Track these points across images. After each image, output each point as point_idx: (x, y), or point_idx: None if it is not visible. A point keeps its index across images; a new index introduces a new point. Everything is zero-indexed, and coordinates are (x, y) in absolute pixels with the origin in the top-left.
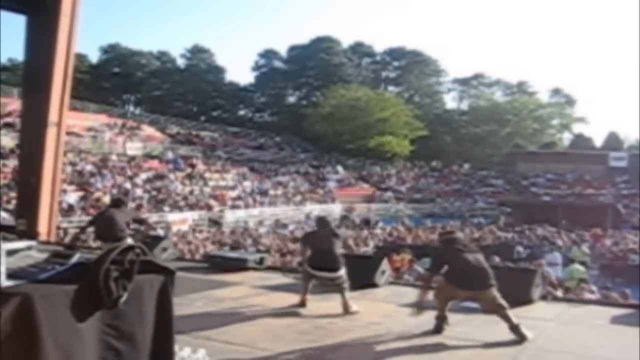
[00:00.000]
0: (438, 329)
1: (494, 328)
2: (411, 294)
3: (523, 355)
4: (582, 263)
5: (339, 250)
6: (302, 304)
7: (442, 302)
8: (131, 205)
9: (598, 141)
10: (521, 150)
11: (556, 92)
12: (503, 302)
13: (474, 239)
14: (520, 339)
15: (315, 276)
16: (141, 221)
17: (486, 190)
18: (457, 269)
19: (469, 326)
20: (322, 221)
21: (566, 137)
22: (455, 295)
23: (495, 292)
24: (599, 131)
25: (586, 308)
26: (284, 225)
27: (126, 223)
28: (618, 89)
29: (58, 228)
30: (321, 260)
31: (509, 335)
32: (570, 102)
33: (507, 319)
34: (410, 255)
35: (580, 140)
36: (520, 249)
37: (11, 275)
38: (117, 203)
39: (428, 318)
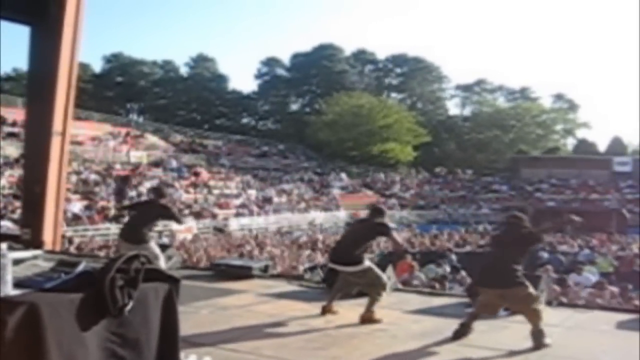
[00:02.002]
0: (458, 335)
1: (502, 334)
2: (415, 300)
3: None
4: (606, 274)
5: (364, 243)
6: (323, 311)
7: (480, 309)
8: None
9: (602, 146)
10: (525, 156)
11: (559, 97)
12: (540, 306)
13: (480, 245)
14: (538, 345)
15: (336, 271)
16: (170, 217)
17: (490, 197)
18: (483, 266)
19: (476, 332)
20: (374, 209)
21: (570, 143)
22: (490, 302)
23: (529, 291)
24: (603, 136)
25: (591, 313)
26: (289, 233)
27: (153, 221)
28: (621, 94)
29: (63, 237)
30: (337, 252)
31: (516, 341)
32: (573, 107)
33: (534, 323)
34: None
35: (584, 146)
36: (544, 254)
37: (18, 284)
38: (158, 193)
39: (433, 325)
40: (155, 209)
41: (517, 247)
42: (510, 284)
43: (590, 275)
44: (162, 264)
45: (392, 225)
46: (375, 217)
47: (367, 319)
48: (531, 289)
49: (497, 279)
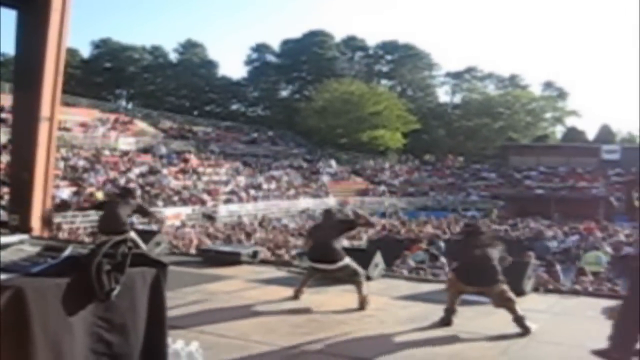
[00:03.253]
0: (446, 322)
1: (488, 319)
2: (404, 286)
3: (516, 346)
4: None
5: (339, 242)
6: (296, 296)
7: (453, 295)
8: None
9: (590, 134)
10: (514, 144)
11: (548, 85)
12: (511, 295)
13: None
14: (524, 331)
15: (317, 269)
16: (145, 213)
17: (479, 184)
18: (465, 264)
19: (462, 318)
20: (327, 213)
21: (559, 130)
22: (465, 290)
23: (502, 287)
24: (592, 124)
25: (578, 299)
26: (278, 219)
27: (128, 215)
28: (610, 82)
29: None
30: (319, 252)
31: (502, 327)
32: (562, 95)
33: (513, 311)
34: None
35: (573, 133)
36: (550, 244)
37: (3, 268)
38: (124, 194)
39: (421, 310)
40: (129, 205)
41: (493, 249)
42: (490, 283)
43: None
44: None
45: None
46: (331, 217)
47: (363, 300)
48: (504, 285)
49: (479, 278)
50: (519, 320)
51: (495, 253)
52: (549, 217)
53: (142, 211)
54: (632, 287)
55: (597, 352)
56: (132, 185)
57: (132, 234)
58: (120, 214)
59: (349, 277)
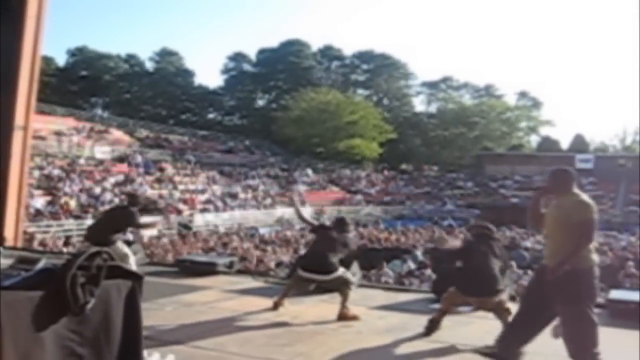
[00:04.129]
0: (429, 332)
1: (466, 329)
2: (380, 296)
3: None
4: None
5: (337, 253)
6: (276, 306)
7: (448, 307)
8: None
9: (564, 143)
10: (489, 153)
11: (523, 95)
12: (509, 306)
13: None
14: None
15: (306, 279)
16: (139, 226)
17: (455, 193)
18: (466, 274)
19: (440, 327)
20: (340, 223)
21: (534, 140)
22: (464, 302)
23: (502, 297)
24: (566, 133)
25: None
26: (254, 229)
27: (123, 226)
28: (584, 92)
29: (25, 233)
30: (315, 262)
31: (480, 336)
32: (536, 104)
33: (505, 322)
34: None
35: (547, 143)
36: (525, 253)
37: None
38: (131, 201)
39: (398, 321)
40: (127, 216)
41: (495, 258)
42: (491, 293)
43: None
44: (132, 262)
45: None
46: (342, 229)
47: (344, 315)
48: (504, 295)
49: (479, 288)
50: None
51: (497, 262)
52: (524, 226)
53: (134, 224)
54: (527, 290)
55: (482, 352)
56: (107, 194)
57: (119, 244)
58: (111, 224)
59: (338, 287)
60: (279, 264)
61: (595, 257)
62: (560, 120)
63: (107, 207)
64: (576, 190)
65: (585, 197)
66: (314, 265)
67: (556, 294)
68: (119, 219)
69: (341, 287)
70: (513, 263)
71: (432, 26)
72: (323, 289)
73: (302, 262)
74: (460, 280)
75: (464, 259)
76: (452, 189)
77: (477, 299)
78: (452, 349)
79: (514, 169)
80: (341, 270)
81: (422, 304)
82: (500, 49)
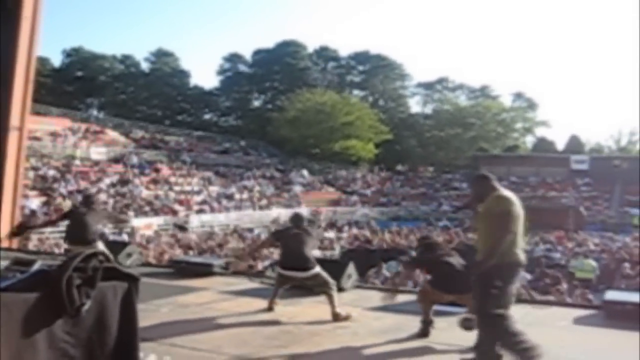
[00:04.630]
0: (424, 333)
1: (460, 330)
2: (377, 297)
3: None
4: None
5: (311, 249)
6: (270, 308)
7: (427, 306)
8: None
9: (560, 144)
10: (485, 154)
11: (518, 96)
12: None
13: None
14: None
15: (287, 277)
16: (115, 220)
17: (451, 194)
18: (442, 274)
19: (436, 329)
20: (295, 218)
21: (529, 141)
22: (440, 299)
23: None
24: (561, 134)
25: (550, 309)
26: (250, 230)
27: (98, 224)
28: (579, 93)
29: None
30: (290, 259)
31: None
32: (532, 105)
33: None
34: None
35: (543, 144)
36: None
37: None
38: (86, 201)
39: (394, 322)
40: (95, 214)
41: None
42: (469, 289)
43: None
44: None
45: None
46: (299, 224)
47: (337, 316)
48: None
49: (459, 284)
50: None
51: (461, 260)
52: None
53: (112, 218)
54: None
55: None
56: (102, 195)
57: (101, 245)
58: (88, 223)
59: (319, 287)
60: (272, 265)
61: (522, 256)
62: (556, 122)
63: (102, 207)
64: (498, 188)
65: (504, 192)
66: (292, 263)
67: (477, 287)
68: (94, 216)
69: (322, 288)
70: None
71: (427, 27)
72: (308, 289)
73: (281, 261)
74: (438, 280)
75: (434, 263)
76: (447, 190)
77: (456, 295)
78: (446, 350)
79: (510, 169)
80: (317, 268)
81: (418, 305)
82: (496, 50)
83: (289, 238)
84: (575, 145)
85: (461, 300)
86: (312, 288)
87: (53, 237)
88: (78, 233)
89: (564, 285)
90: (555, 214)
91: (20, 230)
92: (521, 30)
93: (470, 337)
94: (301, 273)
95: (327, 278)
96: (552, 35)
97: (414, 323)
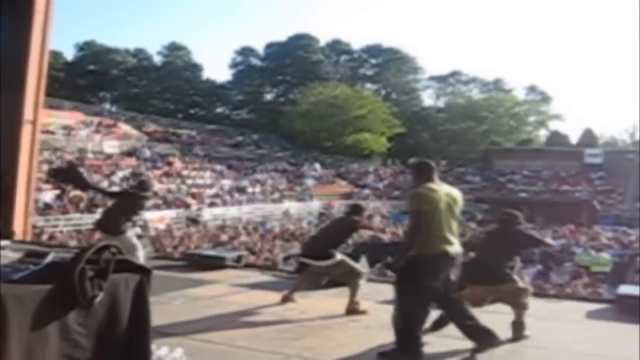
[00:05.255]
0: (437, 326)
1: None
2: (389, 290)
3: (501, 350)
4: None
5: (334, 237)
6: (286, 299)
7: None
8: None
9: (574, 138)
10: (498, 147)
11: (532, 89)
12: (527, 301)
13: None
14: (518, 337)
15: (306, 265)
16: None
17: (464, 187)
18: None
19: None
20: (353, 206)
21: (542, 134)
22: (478, 298)
23: (516, 286)
24: (575, 128)
25: (563, 303)
26: (263, 223)
27: (134, 212)
28: (593, 86)
29: (33, 227)
30: (309, 247)
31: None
32: (545, 99)
33: (519, 315)
34: None
35: (556, 137)
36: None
37: None
38: (141, 187)
39: None
40: (139, 200)
41: (510, 246)
42: (499, 281)
43: None
44: (141, 254)
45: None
46: (352, 214)
47: (352, 310)
48: (520, 284)
49: (487, 276)
50: (519, 324)
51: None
52: (532, 221)
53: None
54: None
55: (382, 355)
56: (115, 188)
57: (129, 234)
58: (122, 211)
59: (344, 277)
60: (286, 258)
61: (447, 247)
62: (570, 115)
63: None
64: (424, 182)
65: (419, 188)
66: (310, 251)
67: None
68: (130, 204)
69: (347, 278)
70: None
71: (440, 20)
72: (334, 282)
73: (303, 248)
74: (465, 270)
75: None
76: (460, 184)
77: (479, 287)
78: (460, 343)
79: (523, 163)
80: (339, 257)
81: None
82: (509, 43)
83: (322, 228)
84: (589, 138)
85: (498, 294)
86: (338, 279)
87: (67, 230)
88: (109, 221)
89: (585, 279)
90: (569, 208)
91: (70, 173)
92: (535, 23)
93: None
94: (318, 262)
95: (352, 266)
96: (566, 28)
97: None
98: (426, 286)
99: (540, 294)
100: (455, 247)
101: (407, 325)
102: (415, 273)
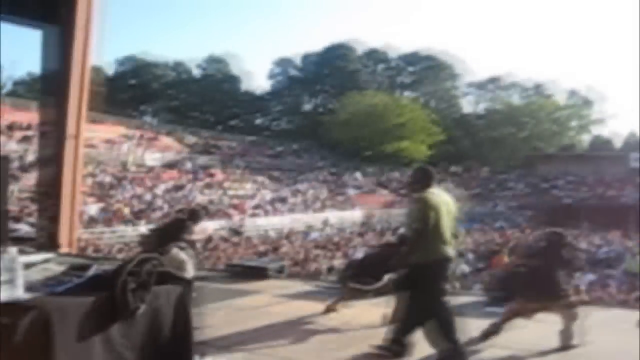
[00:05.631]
0: (487, 335)
1: (521, 332)
2: None
3: (548, 359)
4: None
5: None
6: (328, 311)
7: (515, 315)
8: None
9: (618, 142)
10: (540, 153)
11: (573, 93)
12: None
13: (499, 243)
14: (565, 346)
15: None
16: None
17: (506, 194)
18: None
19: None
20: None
21: (585, 139)
22: (531, 308)
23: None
24: (619, 132)
25: (610, 312)
26: (306, 233)
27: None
28: (637, 88)
29: (79, 240)
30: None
31: (537, 340)
32: (587, 103)
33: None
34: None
35: (600, 142)
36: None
37: (29, 288)
38: (192, 217)
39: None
40: (188, 229)
41: (566, 266)
42: (555, 298)
43: None
44: (190, 268)
45: None
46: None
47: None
48: (574, 297)
49: (542, 293)
50: (567, 333)
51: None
52: (578, 227)
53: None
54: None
55: (378, 347)
56: (158, 201)
57: (175, 251)
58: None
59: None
60: (330, 269)
61: (449, 250)
62: (613, 119)
63: (158, 212)
64: (426, 187)
65: (424, 193)
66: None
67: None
68: (175, 231)
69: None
70: None
71: (478, 26)
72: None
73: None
74: (521, 287)
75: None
76: (502, 190)
77: (534, 303)
78: (508, 353)
79: (566, 169)
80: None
81: (476, 307)
82: (548, 48)
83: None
84: (634, 142)
85: (551, 309)
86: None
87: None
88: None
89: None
90: (615, 214)
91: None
92: (575, 28)
93: (530, 340)
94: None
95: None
96: (606, 32)
97: (473, 325)
98: (437, 289)
99: (586, 301)
100: (452, 251)
101: (410, 326)
102: (425, 278)
